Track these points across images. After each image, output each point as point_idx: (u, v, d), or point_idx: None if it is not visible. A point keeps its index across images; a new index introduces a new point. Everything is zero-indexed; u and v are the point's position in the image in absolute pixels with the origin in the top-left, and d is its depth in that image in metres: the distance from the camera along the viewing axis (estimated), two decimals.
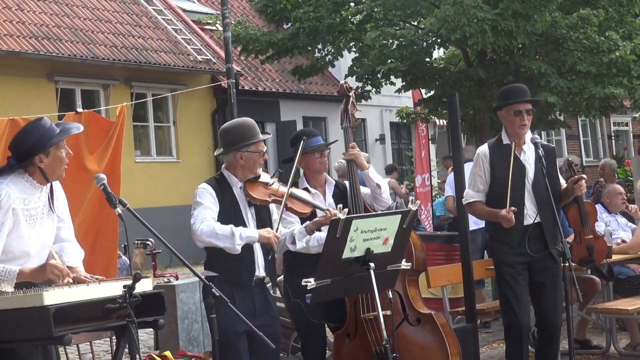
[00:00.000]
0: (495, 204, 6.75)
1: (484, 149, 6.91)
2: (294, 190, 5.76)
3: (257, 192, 5.60)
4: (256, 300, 5.57)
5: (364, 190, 6.61)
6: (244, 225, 5.54)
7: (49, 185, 5.02)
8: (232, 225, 5.40)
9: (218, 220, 5.46)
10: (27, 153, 4.91)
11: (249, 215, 5.62)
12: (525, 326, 6.73)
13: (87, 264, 7.71)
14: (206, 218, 5.42)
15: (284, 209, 5.60)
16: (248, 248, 5.49)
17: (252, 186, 5.61)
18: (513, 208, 6.53)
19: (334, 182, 6.65)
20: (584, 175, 6.76)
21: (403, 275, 6.25)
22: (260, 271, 5.60)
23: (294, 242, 5.77)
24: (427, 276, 7.54)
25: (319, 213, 5.79)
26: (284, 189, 5.63)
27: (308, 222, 5.76)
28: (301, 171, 6.70)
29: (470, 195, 6.88)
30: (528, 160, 6.75)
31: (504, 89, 7.13)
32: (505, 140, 6.81)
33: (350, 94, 6.77)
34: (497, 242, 6.83)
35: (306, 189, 6.34)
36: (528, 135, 6.82)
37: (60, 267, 4.80)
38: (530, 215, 6.67)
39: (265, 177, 5.69)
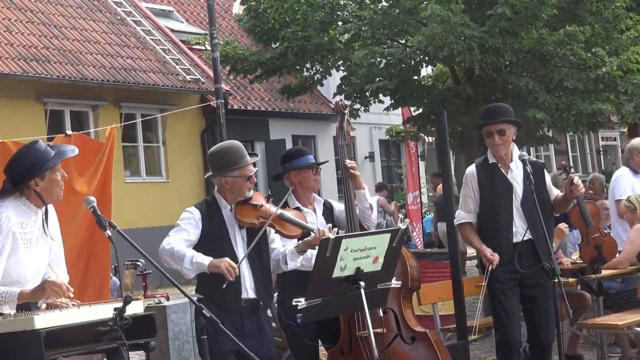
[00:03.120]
0: (485, 224, 6.81)
1: (471, 169, 6.97)
2: (285, 213, 5.72)
3: (245, 214, 5.59)
4: (246, 322, 5.55)
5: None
6: (231, 248, 5.55)
7: (43, 207, 5.03)
8: (189, 250, 5.40)
9: (204, 243, 5.48)
10: (23, 177, 4.93)
11: (238, 237, 5.60)
12: (516, 341, 6.75)
13: (80, 287, 7.75)
14: (173, 239, 5.43)
15: (269, 229, 5.59)
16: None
17: (241, 209, 5.62)
18: (497, 258, 6.59)
19: (322, 200, 6.67)
20: (575, 177, 6.78)
21: (398, 294, 6.27)
22: (249, 293, 5.57)
23: (286, 262, 5.77)
24: (418, 293, 7.56)
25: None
26: (274, 211, 5.63)
27: (299, 242, 5.76)
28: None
29: (462, 216, 6.94)
30: (516, 178, 6.79)
31: (484, 109, 7.21)
32: (491, 159, 6.87)
33: (346, 111, 6.80)
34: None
35: (297, 209, 6.32)
36: (516, 152, 6.86)
37: (58, 283, 4.80)
38: (520, 232, 6.70)
39: (257, 199, 5.68)
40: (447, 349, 6.45)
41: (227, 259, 5.37)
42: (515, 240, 6.70)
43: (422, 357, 6.25)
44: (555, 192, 6.99)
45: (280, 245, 5.82)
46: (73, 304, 4.82)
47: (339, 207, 6.65)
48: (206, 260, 5.36)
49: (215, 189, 5.75)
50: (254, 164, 5.69)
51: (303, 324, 5.72)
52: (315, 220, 6.40)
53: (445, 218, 7.80)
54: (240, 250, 5.58)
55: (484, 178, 6.83)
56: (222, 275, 5.31)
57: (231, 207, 5.63)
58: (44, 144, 5.05)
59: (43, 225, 5.02)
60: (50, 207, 5.12)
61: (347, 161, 6.61)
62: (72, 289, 4.84)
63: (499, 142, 6.75)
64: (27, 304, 4.84)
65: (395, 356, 6.14)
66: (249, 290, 5.58)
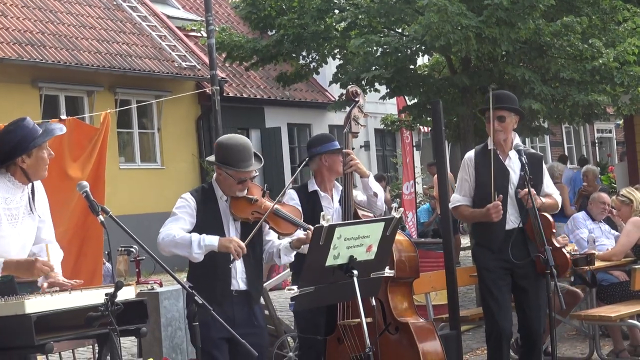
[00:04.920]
0: (479, 208, 6.80)
1: (470, 154, 7.01)
2: (280, 209, 5.68)
3: (240, 209, 5.56)
4: (237, 311, 5.54)
5: (361, 197, 6.61)
6: None
7: (30, 184, 5.01)
8: (194, 234, 5.37)
9: (198, 231, 5.44)
10: (10, 154, 4.91)
11: (232, 229, 5.58)
12: (505, 332, 6.74)
13: (72, 272, 7.72)
14: (172, 229, 5.41)
15: (263, 223, 5.57)
16: (225, 264, 5.46)
17: (236, 202, 5.59)
18: (500, 196, 6.55)
19: (340, 187, 6.64)
20: (524, 191, 6.66)
21: (385, 283, 6.25)
22: (240, 285, 5.57)
23: (280, 257, 5.76)
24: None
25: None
26: (269, 205, 5.60)
27: (293, 238, 5.73)
28: (299, 174, 6.74)
29: (457, 199, 6.96)
30: (512, 166, 6.79)
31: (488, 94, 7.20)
32: (490, 145, 6.87)
33: (358, 98, 6.72)
34: (480, 247, 6.89)
35: (315, 192, 6.42)
36: (516, 142, 6.86)
37: (50, 264, 4.79)
38: (513, 220, 6.72)
39: (253, 193, 5.64)
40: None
41: (236, 238, 5.40)
42: (507, 227, 6.70)
43: (403, 349, 6.23)
44: (554, 190, 6.96)
45: (275, 237, 5.81)
46: (71, 282, 4.81)
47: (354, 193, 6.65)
48: (215, 240, 5.36)
49: (214, 177, 5.73)
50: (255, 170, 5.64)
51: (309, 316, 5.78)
52: (330, 205, 6.46)
53: (441, 208, 7.79)
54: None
55: (481, 163, 6.83)
56: (232, 255, 5.34)
57: (227, 198, 5.61)
58: (32, 121, 5.03)
59: (29, 202, 4.99)
60: (39, 184, 5.10)
61: (347, 151, 6.55)
62: (55, 273, 4.82)
63: (498, 129, 6.74)
64: (29, 283, 4.81)
65: (379, 345, 6.13)
66: (239, 282, 5.57)
